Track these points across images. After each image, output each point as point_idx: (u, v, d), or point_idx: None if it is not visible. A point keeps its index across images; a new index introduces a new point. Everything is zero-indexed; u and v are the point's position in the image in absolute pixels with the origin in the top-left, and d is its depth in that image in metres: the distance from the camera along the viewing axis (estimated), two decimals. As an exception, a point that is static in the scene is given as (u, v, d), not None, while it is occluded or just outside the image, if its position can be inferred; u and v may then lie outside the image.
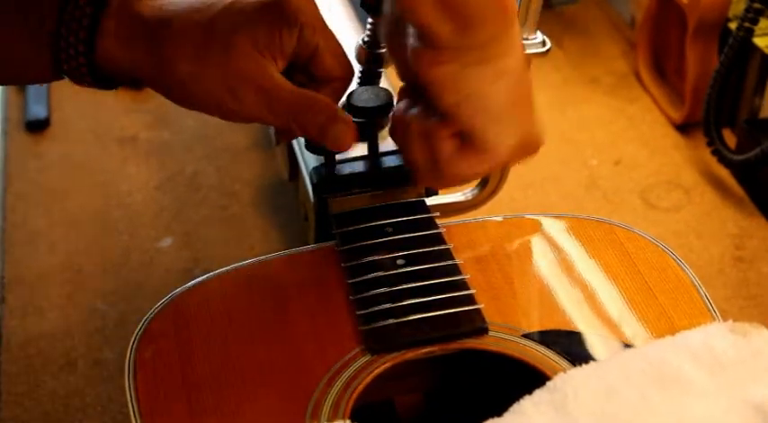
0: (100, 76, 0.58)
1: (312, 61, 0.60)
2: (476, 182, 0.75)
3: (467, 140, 0.56)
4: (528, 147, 0.58)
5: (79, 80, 0.58)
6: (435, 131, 0.56)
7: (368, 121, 0.64)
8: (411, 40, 0.54)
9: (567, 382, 0.52)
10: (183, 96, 0.58)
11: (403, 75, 0.59)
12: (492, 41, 0.52)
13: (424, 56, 0.53)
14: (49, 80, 0.59)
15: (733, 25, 0.88)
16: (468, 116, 0.55)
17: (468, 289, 0.59)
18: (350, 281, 0.60)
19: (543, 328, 0.57)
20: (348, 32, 0.84)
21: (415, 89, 0.58)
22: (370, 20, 0.66)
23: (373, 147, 0.66)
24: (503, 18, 0.52)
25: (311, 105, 0.58)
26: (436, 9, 0.50)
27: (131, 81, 0.59)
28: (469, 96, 0.54)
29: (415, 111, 0.58)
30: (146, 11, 0.57)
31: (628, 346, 0.56)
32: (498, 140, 0.56)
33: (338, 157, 0.66)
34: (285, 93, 0.57)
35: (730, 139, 0.91)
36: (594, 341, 0.57)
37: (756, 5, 0.83)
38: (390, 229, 0.63)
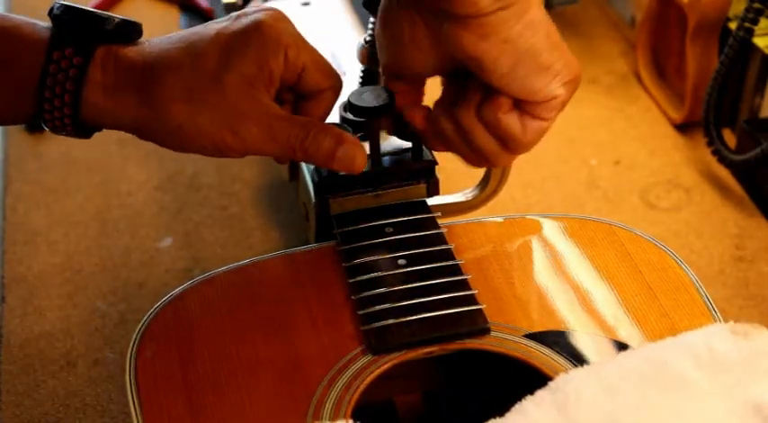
0: (81, 127, 0.57)
1: (300, 80, 0.59)
2: (476, 182, 0.75)
3: (526, 103, 0.56)
4: (577, 77, 0.57)
5: (60, 129, 0.57)
6: (495, 113, 0.57)
7: (368, 121, 0.64)
8: (436, 29, 0.55)
9: (569, 382, 0.52)
10: (181, 141, 0.56)
11: (395, 67, 0.59)
12: None
13: (464, 38, 0.53)
14: (25, 123, 0.58)
15: (733, 25, 0.88)
16: (523, 78, 0.55)
17: (469, 289, 0.59)
18: (351, 280, 0.60)
19: (544, 329, 0.57)
20: (349, 33, 0.84)
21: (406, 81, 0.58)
22: (371, 20, 0.66)
23: (374, 147, 0.66)
24: None
25: (316, 131, 0.57)
26: None
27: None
28: (521, 57, 0.54)
29: (448, 111, 0.58)
30: (132, 55, 0.56)
31: (628, 346, 0.56)
32: (557, 86, 0.56)
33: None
34: (285, 122, 0.57)
35: (730, 139, 0.91)
36: (595, 341, 0.57)
37: (756, 5, 0.83)
38: (391, 229, 0.63)
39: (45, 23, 0.56)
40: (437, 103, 0.61)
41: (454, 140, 0.60)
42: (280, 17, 0.58)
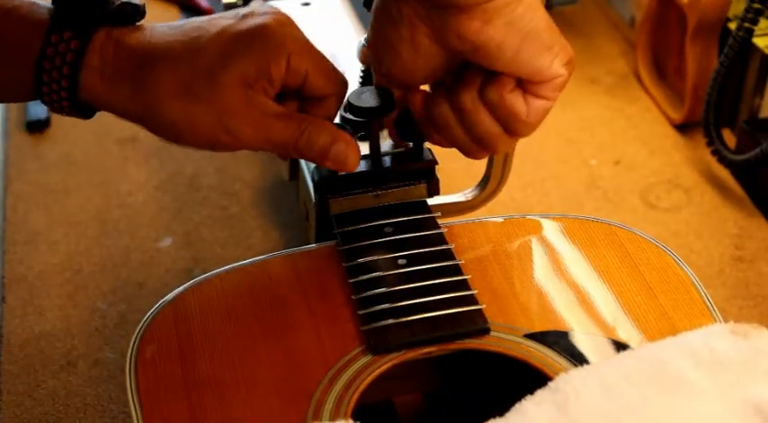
0: (80, 108, 0.57)
1: (304, 85, 0.59)
2: (476, 182, 0.75)
3: (530, 83, 0.57)
4: (572, 58, 0.58)
5: (58, 110, 0.57)
6: (500, 93, 0.57)
7: (368, 121, 0.64)
8: (437, 22, 0.55)
9: (569, 382, 0.52)
10: (175, 135, 0.56)
11: (391, 74, 0.58)
12: None
13: (468, 26, 0.54)
14: (27, 100, 0.58)
15: (733, 25, 0.88)
16: (528, 59, 0.56)
17: (469, 289, 0.59)
18: (351, 280, 0.60)
19: (544, 329, 0.57)
20: (350, 33, 0.84)
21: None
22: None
23: (374, 147, 0.66)
24: None
25: (311, 129, 0.57)
26: None
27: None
28: (525, 38, 0.55)
29: (447, 95, 0.59)
30: (133, 43, 0.56)
31: (628, 346, 0.56)
32: (558, 65, 0.57)
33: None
34: (281, 121, 0.57)
35: (730, 139, 0.92)
36: (595, 341, 0.57)
37: (756, 5, 0.83)
38: (391, 229, 0.63)
39: (46, 4, 0.56)
40: (434, 89, 0.62)
41: (454, 127, 0.60)
42: (286, 22, 0.57)
